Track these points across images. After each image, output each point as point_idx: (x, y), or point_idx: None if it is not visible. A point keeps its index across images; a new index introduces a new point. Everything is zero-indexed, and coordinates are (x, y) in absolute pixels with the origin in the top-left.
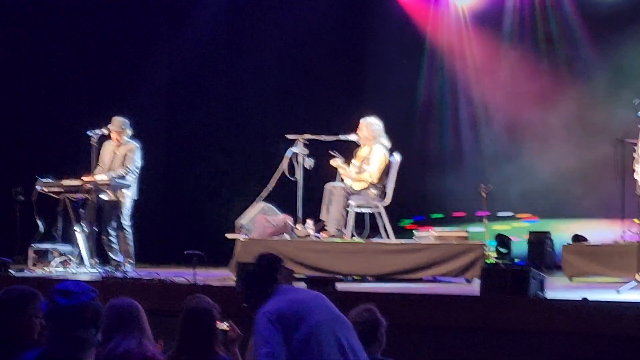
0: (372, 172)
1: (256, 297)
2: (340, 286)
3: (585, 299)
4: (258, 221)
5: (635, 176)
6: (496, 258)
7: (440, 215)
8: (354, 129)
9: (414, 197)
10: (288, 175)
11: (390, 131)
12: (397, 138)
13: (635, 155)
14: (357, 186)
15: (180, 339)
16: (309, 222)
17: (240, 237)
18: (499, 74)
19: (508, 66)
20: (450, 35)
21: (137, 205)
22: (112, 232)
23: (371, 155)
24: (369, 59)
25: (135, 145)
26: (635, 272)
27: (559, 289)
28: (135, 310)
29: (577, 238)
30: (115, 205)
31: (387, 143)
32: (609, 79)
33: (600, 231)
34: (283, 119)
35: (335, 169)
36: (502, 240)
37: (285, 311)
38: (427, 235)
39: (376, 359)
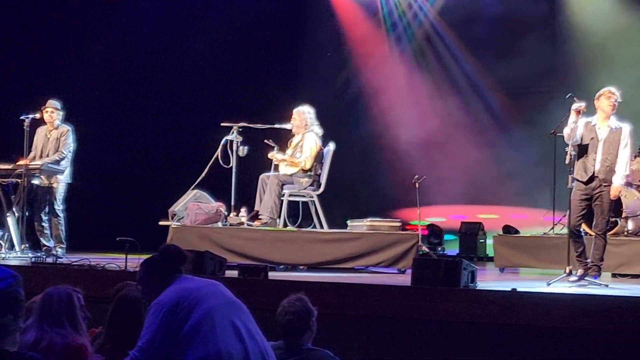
0: (304, 159)
1: (154, 287)
2: (272, 275)
3: (514, 290)
4: (190, 208)
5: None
6: (428, 248)
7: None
8: (289, 118)
9: (348, 187)
10: (222, 163)
11: (324, 120)
12: (332, 127)
13: (567, 149)
14: (289, 170)
15: (108, 327)
16: (242, 210)
17: (172, 224)
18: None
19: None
20: (370, 35)
21: (71, 189)
22: (44, 218)
23: (303, 143)
24: (304, 50)
25: (67, 128)
26: (565, 264)
27: (491, 279)
28: (68, 300)
29: (508, 229)
30: (49, 191)
31: (319, 131)
32: (537, 72)
33: (532, 223)
34: (218, 107)
35: (270, 158)
36: (434, 231)
37: (180, 300)
38: (360, 224)
39: (307, 348)
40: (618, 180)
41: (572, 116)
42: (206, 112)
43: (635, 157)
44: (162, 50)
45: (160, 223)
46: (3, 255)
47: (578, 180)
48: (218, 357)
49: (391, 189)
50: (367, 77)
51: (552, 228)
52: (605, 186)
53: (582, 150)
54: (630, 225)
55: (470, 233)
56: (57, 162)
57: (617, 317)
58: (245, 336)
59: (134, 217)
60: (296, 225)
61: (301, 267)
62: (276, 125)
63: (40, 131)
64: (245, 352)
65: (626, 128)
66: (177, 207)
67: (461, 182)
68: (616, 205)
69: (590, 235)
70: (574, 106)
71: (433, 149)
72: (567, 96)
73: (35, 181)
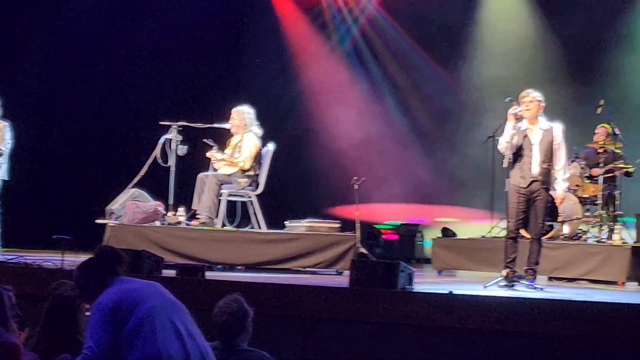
0: (243, 159)
1: (92, 290)
2: (209, 275)
3: (451, 293)
4: (128, 207)
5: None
6: (367, 250)
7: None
8: (229, 117)
9: (288, 187)
10: (161, 162)
11: (264, 120)
12: (272, 127)
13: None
14: (227, 170)
15: (43, 326)
16: (181, 210)
17: (110, 222)
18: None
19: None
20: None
21: (7, 186)
22: None
23: (242, 143)
24: (245, 50)
25: (5, 124)
26: (502, 267)
27: (429, 281)
28: None
29: (446, 232)
30: None
31: (259, 131)
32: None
33: (470, 226)
34: (158, 105)
35: (209, 158)
36: (373, 232)
37: (120, 301)
38: (299, 225)
39: (243, 349)
40: (562, 187)
41: (510, 121)
42: (145, 111)
43: (572, 161)
44: (102, 48)
45: (98, 221)
46: None
47: (517, 186)
48: (158, 358)
49: (331, 189)
50: (308, 78)
51: (490, 231)
52: (543, 189)
53: (518, 155)
54: (566, 229)
55: (409, 235)
56: None
57: (551, 320)
58: (186, 337)
59: (71, 215)
60: (234, 225)
61: (239, 267)
62: (215, 125)
63: None
64: (185, 352)
65: (557, 127)
66: (114, 205)
67: (399, 182)
68: (553, 210)
69: (527, 238)
70: (511, 110)
71: (372, 149)
72: (506, 100)
73: None
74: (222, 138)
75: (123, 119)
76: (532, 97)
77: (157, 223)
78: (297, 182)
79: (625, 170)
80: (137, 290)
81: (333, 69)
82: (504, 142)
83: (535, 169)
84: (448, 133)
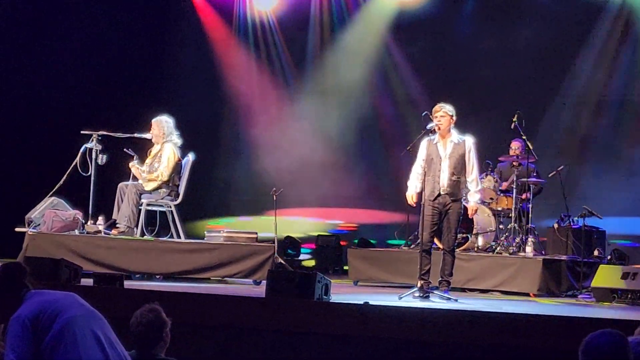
0: (162, 170)
1: (8, 306)
2: (128, 284)
3: (366, 303)
4: (47, 215)
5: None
6: (285, 260)
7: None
8: (149, 127)
9: (207, 197)
10: (81, 171)
11: (186, 129)
12: (194, 136)
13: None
14: (149, 187)
15: None
16: (100, 219)
17: (29, 230)
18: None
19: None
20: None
21: None
22: None
23: (162, 153)
24: (167, 59)
25: None
26: (417, 278)
27: (345, 292)
28: None
29: (364, 242)
30: None
31: (178, 141)
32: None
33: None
34: (79, 114)
35: (129, 168)
36: (291, 242)
37: (39, 312)
38: (218, 235)
39: (159, 359)
40: (474, 199)
41: (419, 159)
42: (66, 119)
43: (487, 175)
44: (22, 54)
45: (17, 229)
46: None
47: (428, 199)
48: None
49: (250, 199)
50: (230, 86)
51: (406, 242)
52: (453, 201)
53: (429, 168)
54: (480, 241)
55: (327, 245)
56: None
57: (465, 331)
58: (107, 345)
59: None
60: (153, 234)
61: (157, 277)
62: (136, 135)
63: None
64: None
65: (469, 140)
66: (33, 213)
67: (319, 191)
68: (467, 222)
69: (442, 249)
70: (429, 126)
71: (293, 159)
72: (423, 114)
73: None
74: (144, 147)
75: (43, 127)
76: (444, 111)
77: (76, 232)
78: (216, 192)
79: (537, 185)
80: (55, 302)
81: (255, 77)
82: (413, 178)
83: (445, 181)
84: (367, 146)
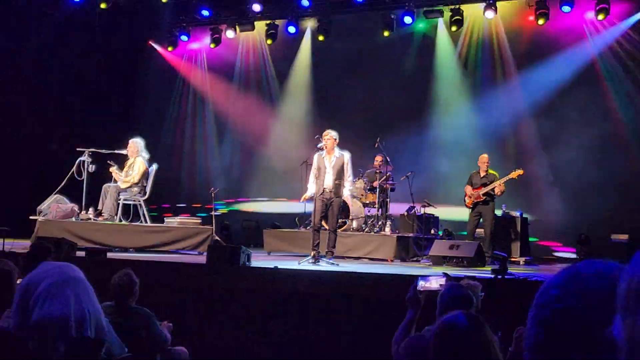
0: (134, 175)
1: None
2: (110, 255)
3: (276, 267)
4: (52, 207)
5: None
6: (220, 237)
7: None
8: (126, 145)
9: (166, 195)
10: (76, 177)
11: (151, 147)
12: (156, 152)
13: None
14: (124, 185)
15: None
16: (90, 210)
17: (39, 218)
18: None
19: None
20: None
21: None
22: None
23: (134, 165)
24: (141, 93)
25: None
26: (311, 250)
27: (261, 259)
28: None
29: (275, 225)
30: None
31: (146, 155)
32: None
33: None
34: (76, 136)
35: (111, 173)
36: (224, 226)
37: (29, 279)
38: (173, 221)
39: (131, 307)
40: (347, 193)
41: (312, 173)
42: (67, 139)
43: (359, 178)
44: (29, 80)
45: (31, 217)
46: None
47: (318, 195)
48: (50, 317)
49: (196, 195)
50: (183, 110)
51: (304, 225)
52: (336, 197)
53: (319, 174)
54: (354, 224)
55: (250, 227)
56: None
57: (344, 285)
58: (73, 301)
59: (10, 212)
60: (128, 220)
61: (131, 250)
62: (116, 151)
63: None
64: (73, 313)
65: (346, 155)
66: (43, 206)
67: (247, 188)
68: (345, 210)
69: (327, 229)
70: (319, 145)
71: (227, 163)
72: (316, 137)
73: None
74: (122, 160)
75: (50, 144)
76: (330, 135)
77: (73, 219)
78: (172, 191)
79: (391, 186)
80: (49, 270)
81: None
82: (310, 182)
83: (329, 183)
84: (271, 152)
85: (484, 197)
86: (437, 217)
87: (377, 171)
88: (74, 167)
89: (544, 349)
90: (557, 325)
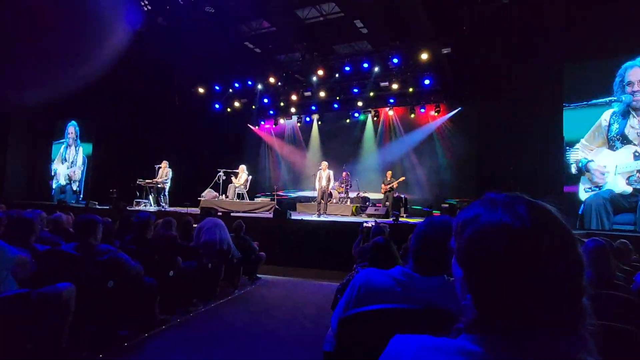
0: (242, 181)
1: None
2: (232, 215)
3: (302, 219)
4: (207, 194)
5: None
6: (278, 207)
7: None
8: (238, 167)
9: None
10: (216, 180)
11: (253, 167)
12: (255, 168)
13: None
14: (237, 184)
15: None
16: (222, 195)
17: (202, 198)
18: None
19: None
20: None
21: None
22: None
23: (241, 176)
24: (249, 148)
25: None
26: (316, 211)
27: (294, 216)
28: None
29: (300, 201)
30: None
31: (247, 172)
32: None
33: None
34: (215, 160)
35: (234, 179)
36: (279, 202)
37: (201, 225)
38: (259, 200)
39: (242, 237)
40: (331, 187)
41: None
42: (216, 164)
43: (336, 182)
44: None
45: (198, 198)
46: None
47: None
48: (209, 240)
49: (267, 187)
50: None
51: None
52: (327, 189)
53: (320, 180)
54: (334, 200)
55: (291, 202)
56: None
57: (330, 227)
58: (219, 234)
59: (190, 195)
60: (240, 199)
61: (241, 212)
62: (233, 170)
63: None
64: (219, 239)
65: (331, 172)
66: (203, 193)
67: (287, 181)
68: (330, 195)
69: (323, 202)
70: (320, 167)
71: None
72: (319, 164)
73: None
74: (236, 174)
75: (215, 169)
76: (324, 164)
77: (216, 199)
78: (258, 187)
79: (349, 185)
80: (208, 221)
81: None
82: (316, 185)
83: (324, 184)
84: (300, 170)
85: (388, 188)
86: (369, 198)
87: (343, 179)
88: (216, 177)
89: (416, 250)
90: (422, 239)
